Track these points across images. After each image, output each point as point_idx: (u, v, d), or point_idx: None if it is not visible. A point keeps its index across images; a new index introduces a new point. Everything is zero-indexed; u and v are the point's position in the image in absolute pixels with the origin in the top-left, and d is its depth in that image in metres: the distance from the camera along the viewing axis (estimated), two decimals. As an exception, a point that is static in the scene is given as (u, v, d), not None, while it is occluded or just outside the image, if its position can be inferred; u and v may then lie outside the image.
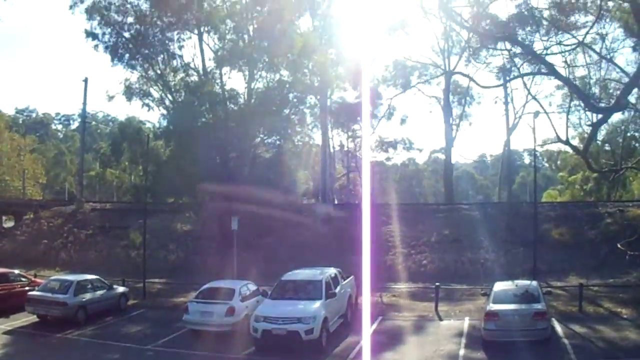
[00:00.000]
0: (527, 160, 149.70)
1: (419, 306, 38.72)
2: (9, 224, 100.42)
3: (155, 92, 51.05)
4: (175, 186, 45.79)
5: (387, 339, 30.53)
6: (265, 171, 46.46)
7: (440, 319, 35.04)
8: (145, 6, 50.27)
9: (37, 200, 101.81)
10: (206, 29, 49.17)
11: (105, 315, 37.97)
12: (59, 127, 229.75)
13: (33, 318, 36.84)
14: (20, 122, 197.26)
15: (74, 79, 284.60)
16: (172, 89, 49.82)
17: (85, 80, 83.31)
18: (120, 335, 33.62)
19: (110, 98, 52.90)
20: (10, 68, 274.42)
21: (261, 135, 48.84)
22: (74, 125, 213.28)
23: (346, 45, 67.92)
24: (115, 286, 41.31)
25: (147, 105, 51.04)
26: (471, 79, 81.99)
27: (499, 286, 30.17)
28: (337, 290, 31.71)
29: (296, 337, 27.46)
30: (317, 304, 29.22)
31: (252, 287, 35.73)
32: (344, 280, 34.94)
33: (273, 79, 48.12)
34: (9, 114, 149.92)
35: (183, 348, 30.51)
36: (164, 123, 52.51)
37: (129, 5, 50.70)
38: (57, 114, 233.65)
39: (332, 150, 78.27)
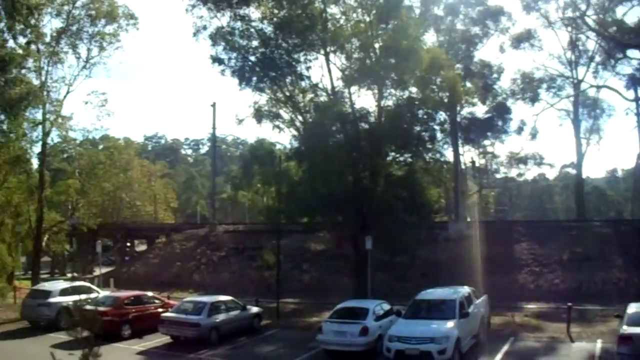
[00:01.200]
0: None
1: (551, 327, 37.80)
2: (142, 247, 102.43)
3: (285, 114, 51.28)
4: (308, 206, 45.60)
5: (519, 361, 29.48)
6: (398, 189, 45.96)
7: (572, 341, 34.01)
8: (269, 29, 50.42)
9: (169, 224, 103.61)
10: (332, 48, 49.04)
11: (238, 336, 38.32)
12: (189, 151, 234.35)
13: (166, 339, 37.44)
14: (150, 148, 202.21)
15: (201, 105, 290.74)
16: (302, 110, 49.87)
17: (214, 105, 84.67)
18: (253, 355, 34.01)
19: (240, 121, 53.29)
20: (138, 97, 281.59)
21: (392, 154, 48.49)
22: (204, 149, 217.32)
23: (472, 59, 67.36)
24: (248, 307, 41.55)
25: (278, 127, 51.27)
26: (599, 90, 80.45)
27: (633, 308, 28.42)
28: (470, 309, 31.14)
29: (429, 358, 27.05)
30: (450, 324, 28.73)
31: (386, 306, 35.33)
32: (477, 299, 34.19)
33: (402, 96, 47.76)
34: (138, 141, 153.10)
35: (317, 368, 30.17)
36: (295, 144, 52.52)
37: (252, 30, 50.92)
38: (186, 139, 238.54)
39: (463, 166, 77.60)
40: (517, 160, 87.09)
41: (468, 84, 55.45)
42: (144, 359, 33.90)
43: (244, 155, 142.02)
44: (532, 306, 45.52)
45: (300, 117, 49.59)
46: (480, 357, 30.59)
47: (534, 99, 79.38)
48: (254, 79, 50.47)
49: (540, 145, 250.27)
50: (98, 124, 63.90)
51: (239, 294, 47.86)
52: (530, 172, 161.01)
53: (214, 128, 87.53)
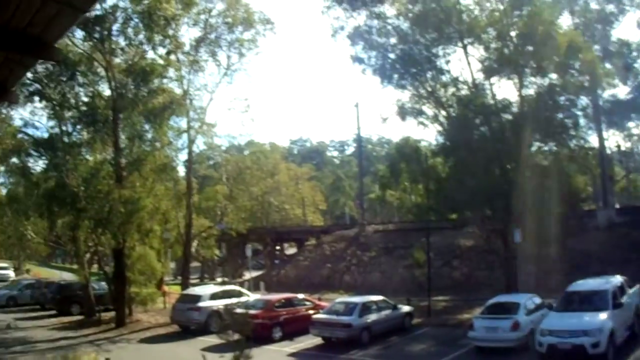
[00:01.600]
0: None
1: None
2: (291, 250, 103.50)
3: (428, 110, 51.05)
4: (456, 202, 45.46)
5: (681, 354, 28.64)
6: (544, 180, 45.36)
7: None
8: (405, 25, 50.35)
9: (318, 226, 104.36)
10: (469, 40, 48.56)
11: (389, 335, 38.33)
12: (334, 153, 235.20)
13: (317, 340, 37.93)
14: (295, 152, 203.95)
15: (345, 106, 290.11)
16: (444, 105, 49.64)
17: (357, 105, 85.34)
18: (404, 354, 34.08)
19: (384, 120, 53.42)
20: (281, 102, 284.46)
21: (537, 143, 47.83)
22: (349, 150, 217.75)
23: (609, 39, 65.76)
24: (399, 306, 41.62)
25: (422, 123, 51.15)
26: None
27: None
28: (623, 300, 30.23)
29: (582, 351, 26.46)
30: (603, 316, 27.95)
31: (537, 300, 34.96)
32: (631, 289, 33.10)
33: (542, 84, 47.04)
34: (284, 145, 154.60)
35: (468, 365, 30.03)
36: (440, 139, 52.39)
37: (389, 27, 50.96)
38: (331, 140, 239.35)
39: (609, 151, 75.78)
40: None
41: (607, 65, 54.09)
42: (295, 360, 34.22)
43: (389, 154, 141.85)
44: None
45: (443, 112, 49.43)
46: (636, 349, 29.48)
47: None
48: (395, 76, 50.60)
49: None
50: (242, 129, 65.20)
51: (389, 293, 48.00)
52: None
53: (358, 128, 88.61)
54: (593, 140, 59.11)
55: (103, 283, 55.27)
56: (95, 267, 61.97)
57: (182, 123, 56.25)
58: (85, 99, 46.71)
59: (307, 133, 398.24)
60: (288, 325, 39.90)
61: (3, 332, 44.15)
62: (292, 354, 35.56)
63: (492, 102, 47.21)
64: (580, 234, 53.50)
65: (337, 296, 52.60)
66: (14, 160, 48.72)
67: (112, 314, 49.45)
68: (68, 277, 72.28)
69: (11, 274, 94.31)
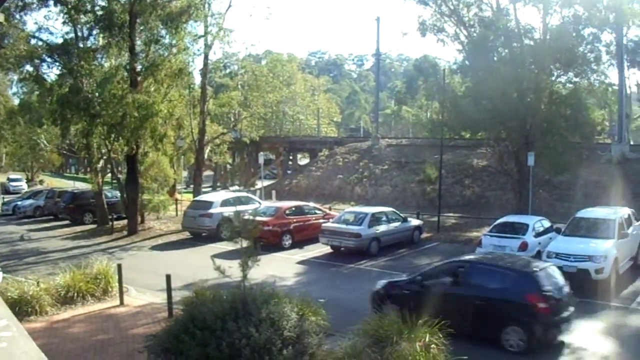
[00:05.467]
0: None
1: None
2: (304, 160, 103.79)
3: (449, 28, 50.68)
4: (471, 121, 45.49)
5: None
6: (561, 108, 45.26)
7: None
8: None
9: (332, 137, 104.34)
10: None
11: (398, 247, 39.03)
12: (352, 67, 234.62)
13: (326, 249, 38.78)
14: (313, 64, 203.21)
15: (365, 19, 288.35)
16: (466, 24, 49.29)
17: (378, 20, 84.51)
18: (413, 266, 33.97)
19: (404, 35, 53.39)
20: (301, 13, 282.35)
21: (557, 72, 47.62)
22: (367, 64, 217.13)
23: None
24: (409, 219, 42.19)
25: (442, 40, 50.88)
26: None
27: None
28: (629, 231, 31.02)
29: (586, 276, 27.17)
30: (608, 243, 28.76)
31: (546, 223, 35.68)
32: (637, 221, 33.95)
33: (568, 14, 46.76)
34: (302, 57, 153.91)
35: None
36: (459, 58, 52.33)
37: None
38: (350, 54, 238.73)
39: (628, 90, 75.55)
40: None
41: (635, 5, 53.68)
42: (304, 268, 34.98)
43: (407, 70, 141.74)
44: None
45: (464, 31, 49.09)
46: (637, 279, 30.22)
47: None
48: (417, -9, 50.29)
49: None
50: (261, 37, 64.56)
51: (400, 207, 48.51)
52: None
53: (377, 42, 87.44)
54: (613, 77, 58.86)
55: (116, 191, 55.84)
56: (108, 177, 62.33)
57: (200, 28, 56.00)
58: (102, 3, 45.98)
59: (326, 45, 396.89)
60: (298, 233, 40.81)
61: (15, 244, 44.91)
62: (300, 262, 36.30)
63: (514, 26, 46.89)
64: (593, 165, 53.77)
65: (347, 207, 53.04)
66: (28, 67, 48.19)
67: (124, 222, 50.21)
68: (81, 186, 73.46)
69: (24, 185, 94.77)
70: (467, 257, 24.45)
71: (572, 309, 20.68)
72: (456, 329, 16.81)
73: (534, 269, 20.83)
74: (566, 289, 21.12)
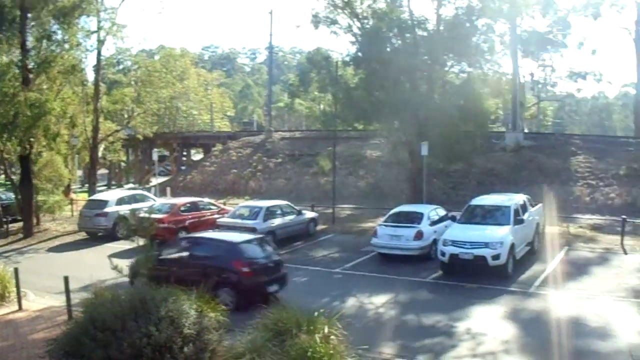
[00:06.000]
0: None
1: (605, 239, 37.65)
2: (198, 156, 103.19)
3: (342, 20, 50.41)
4: (364, 112, 45.56)
5: (572, 269, 29.91)
6: (455, 98, 45.68)
7: (626, 253, 33.84)
8: None
9: (225, 132, 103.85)
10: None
11: (294, 240, 38.89)
12: (246, 60, 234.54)
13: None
14: (207, 58, 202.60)
15: (258, 13, 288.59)
16: (359, 16, 49.19)
17: (271, 13, 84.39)
18: (309, 259, 34.52)
19: (297, 27, 53.36)
20: (194, 8, 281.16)
21: (450, 62, 48.04)
22: (260, 58, 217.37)
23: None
24: (304, 212, 42.11)
25: (335, 32, 50.71)
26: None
27: None
28: (525, 217, 31.20)
29: (483, 262, 27.34)
30: (504, 230, 28.86)
31: (441, 211, 36.02)
32: (532, 207, 34.33)
33: (462, 4, 47.14)
34: (195, 51, 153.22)
35: (370, 271, 31.10)
36: (353, 50, 52.31)
37: None
38: (243, 48, 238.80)
39: (522, 79, 76.78)
40: (576, 75, 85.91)
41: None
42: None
43: (300, 63, 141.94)
44: (587, 218, 45.08)
45: (357, 23, 48.95)
46: (534, 264, 30.63)
47: (596, 15, 77.59)
48: (310, -17, 50.33)
49: (600, 62, 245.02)
50: (154, 32, 63.92)
51: (294, 200, 48.22)
52: (590, 90, 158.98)
53: (270, 36, 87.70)
54: (507, 67, 59.66)
55: (10, 193, 54.49)
56: (1, 178, 60.86)
57: (92, 24, 55.04)
58: (-9, -3, 45.01)
59: (219, 39, 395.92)
60: (194, 229, 39.28)
61: None
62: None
63: (408, 17, 47.05)
64: (488, 153, 54.40)
65: (242, 201, 52.74)
66: None
67: (20, 224, 48.57)
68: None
69: None
70: (195, 235, 28.44)
71: (283, 272, 25.19)
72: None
73: (240, 240, 24.81)
74: (275, 257, 25.40)
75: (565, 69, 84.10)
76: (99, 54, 60.15)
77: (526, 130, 68.75)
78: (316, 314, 16.06)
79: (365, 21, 48.21)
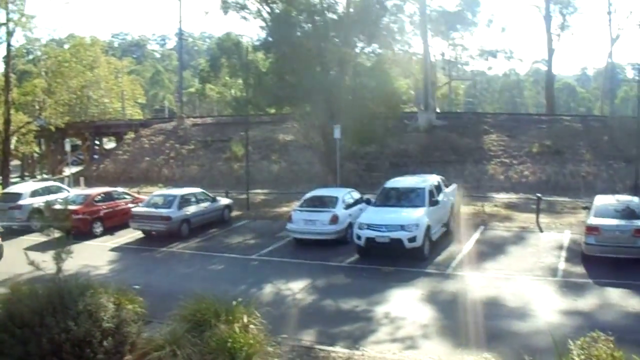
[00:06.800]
0: (630, 74, 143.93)
1: (520, 217, 38.18)
2: (110, 144, 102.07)
3: (251, 5, 50.14)
4: (276, 97, 45.46)
5: (489, 249, 30.33)
6: (367, 80, 45.76)
7: (541, 231, 34.33)
8: None
9: (137, 119, 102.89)
10: None
11: (209, 228, 38.68)
12: (156, 47, 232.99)
13: (138, 234, 37.86)
14: (116, 45, 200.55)
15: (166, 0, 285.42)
16: (269, 1, 49.04)
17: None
18: (225, 246, 34.26)
19: (206, 13, 52.95)
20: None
21: (361, 44, 48.09)
22: (170, 44, 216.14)
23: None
24: (218, 198, 41.88)
25: (245, 18, 50.46)
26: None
27: (601, 200, 29.32)
28: (440, 198, 31.37)
29: (399, 245, 27.37)
30: (420, 212, 28.93)
31: (356, 195, 35.86)
32: (447, 188, 34.60)
33: (370, -13, 47.16)
34: (104, 39, 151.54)
35: (287, 256, 30.95)
36: (263, 35, 52.06)
37: None
38: (153, 34, 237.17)
39: (433, 58, 77.14)
40: (487, 53, 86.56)
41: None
42: (117, 255, 33.86)
43: (211, 48, 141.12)
44: (501, 197, 45.90)
45: (267, 8, 48.69)
46: (450, 244, 30.86)
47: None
48: (218, -32, 49.71)
49: (511, 40, 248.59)
50: (64, 22, 63.21)
51: (208, 186, 47.97)
52: (501, 67, 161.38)
53: (180, 22, 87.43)
54: (418, 47, 59.84)
55: None
56: None
57: (1, 15, 54.12)
58: None
59: (128, 27, 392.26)
60: (109, 220, 39.51)
61: None
62: (113, 249, 35.15)
63: (317, 1, 46.93)
64: (401, 134, 54.64)
65: (156, 189, 52.29)
66: None
67: None
68: None
69: None
70: None
71: None
72: None
73: None
74: None
75: (476, 47, 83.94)
76: (8, 45, 59.33)
77: (438, 110, 68.96)
78: (234, 303, 15.79)
79: (275, 5, 48.02)
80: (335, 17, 47.18)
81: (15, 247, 34.39)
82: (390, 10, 46.83)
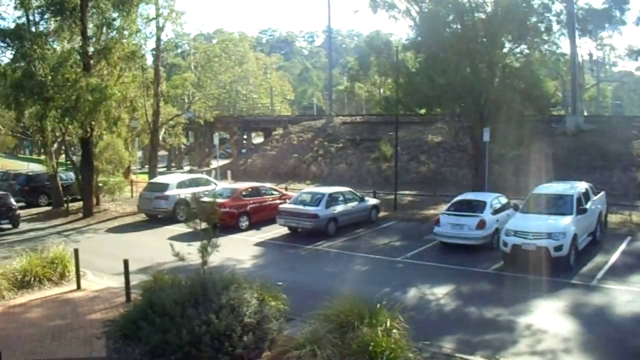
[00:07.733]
0: None
1: (670, 227, 36.46)
2: (258, 139, 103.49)
3: (400, 4, 50.04)
4: (425, 97, 45.34)
5: (636, 261, 29.40)
6: (515, 81, 45.25)
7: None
8: None
9: (286, 116, 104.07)
10: None
11: (356, 227, 38.84)
12: (303, 44, 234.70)
13: (283, 230, 38.61)
14: (264, 42, 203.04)
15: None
16: (417, 0, 48.95)
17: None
18: (370, 246, 34.32)
19: (355, 11, 53.19)
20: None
21: (508, 45, 47.53)
22: (318, 41, 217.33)
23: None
24: (366, 198, 42.07)
25: (393, 17, 50.42)
26: None
27: None
28: (587, 206, 30.65)
29: (545, 253, 26.89)
30: (567, 220, 28.40)
31: (504, 200, 35.55)
32: (595, 195, 33.80)
33: (517, -14, 46.56)
34: (253, 35, 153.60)
35: (433, 260, 30.79)
36: (412, 34, 51.93)
37: None
38: (301, 31, 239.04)
39: (580, 59, 75.67)
40: (636, 52, 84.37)
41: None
42: (261, 250, 34.64)
43: (359, 46, 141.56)
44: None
45: (415, 7, 48.60)
46: (596, 255, 30.14)
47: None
48: (368, -33, 49.81)
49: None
50: (212, 17, 64.24)
51: (356, 185, 48.53)
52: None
53: (329, 19, 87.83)
54: (565, 47, 58.88)
55: (71, 173, 55.29)
56: (62, 158, 61.69)
57: (151, 10, 55.46)
58: (53, -13, 45.50)
59: (276, 23, 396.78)
60: (255, 215, 40.64)
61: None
62: (258, 244, 35.97)
63: (465, 0, 46.62)
64: (548, 138, 53.93)
65: (303, 186, 53.16)
66: (-21, 52, 47.65)
67: (80, 204, 49.85)
68: (36, 168, 71.88)
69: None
70: None
71: None
72: None
73: None
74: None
75: (623, 47, 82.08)
76: (158, 40, 60.95)
77: (585, 113, 67.64)
78: (378, 306, 16.20)
79: (424, 5, 47.88)
80: (483, 16, 46.80)
81: (159, 236, 35.93)
82: (537, 9, 46.18)
